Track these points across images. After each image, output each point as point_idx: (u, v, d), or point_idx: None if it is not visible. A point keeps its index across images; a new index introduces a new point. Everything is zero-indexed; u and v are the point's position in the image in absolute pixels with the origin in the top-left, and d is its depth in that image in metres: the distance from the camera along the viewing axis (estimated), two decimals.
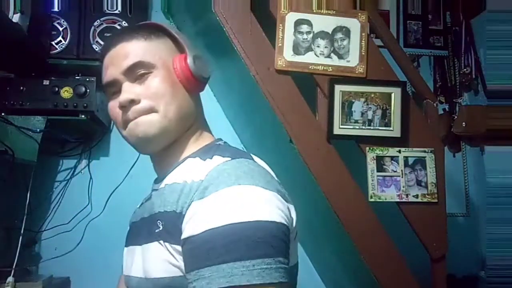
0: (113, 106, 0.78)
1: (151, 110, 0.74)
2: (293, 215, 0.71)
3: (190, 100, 0.79)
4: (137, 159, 1.90)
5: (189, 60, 0.77)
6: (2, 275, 1.48)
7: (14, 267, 1.50)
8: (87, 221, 1.91)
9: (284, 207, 0.67)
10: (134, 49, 0.76)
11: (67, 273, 1.85)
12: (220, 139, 0.84)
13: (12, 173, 1.62)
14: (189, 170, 0.73)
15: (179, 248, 0.66)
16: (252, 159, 0.75)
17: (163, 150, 0.79)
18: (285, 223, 0.65)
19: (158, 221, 0.72)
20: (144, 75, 0.75)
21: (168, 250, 0.68)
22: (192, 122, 0.81)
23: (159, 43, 0.79)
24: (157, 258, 0.70)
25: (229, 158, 0.71)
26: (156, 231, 0.71)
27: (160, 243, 0.70)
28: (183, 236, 0.65)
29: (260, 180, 0.67)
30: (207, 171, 0.69)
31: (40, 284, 1.52)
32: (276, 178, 0.74)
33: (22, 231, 1.59)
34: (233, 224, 0.61)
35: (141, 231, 0.79)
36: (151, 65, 0.76)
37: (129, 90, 0.75)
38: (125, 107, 0.75)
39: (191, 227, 0.64)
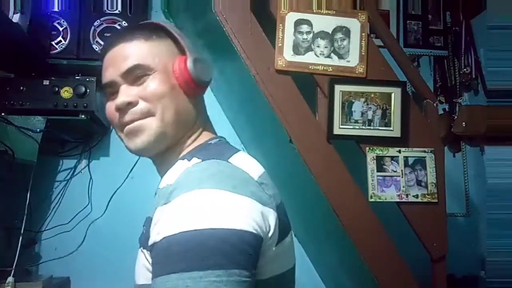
0: (111, 107, 0.77)
1: (148, 113, 0.73)
2: (271, 220, 0.65)
3: (189, 103, 0.77)
4: (138, 159, 1.90)
5: (189, 63, 0.75)
6: (2, 275, 1.48)
7: (14, 267, 1.50)
8: (87, 221, 1.91)
9: (256, 213, 0.62)
10: (133, 51, 0.75)
11: (67, 273, 1.85)
12: (217, 137, 0.81)
13: (12, 173, 1.62)
14: (174, 173, 0.71)
15: None
16: (228, 159, 0.69)
17: (161, 153, 0.78)
18: (252, 230, 0.59)
19: (144, 226, 0.72)
20: (142, 77, 0.74)
21: (146, 257, 0.67)
22: (192, 124, 0.79)
23: (159, 44, 0.77)
24: (140, 265, 0.69)
25: (200, 160, 0.68)
26: (140, 237, 0.72)
27: (141, 250, 0.70)
28: (149, 243, 0.63)
29: (227, 183, 0.62)
30: (178, 174, 0.66)
31: (40, 284, 1.52)
32: (259, 180, 0.68)
33: (22, 231, 1.59)
34: (187, 232, 0.57)
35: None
36: (150, 68, 0.74)
37: (126, 93, 0.73)
38: (121, 109, 0.74)
39: (154, 234, 0.62)
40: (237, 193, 0.61)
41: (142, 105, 0.73)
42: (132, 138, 0.75)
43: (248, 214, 0.61)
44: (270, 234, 0.64)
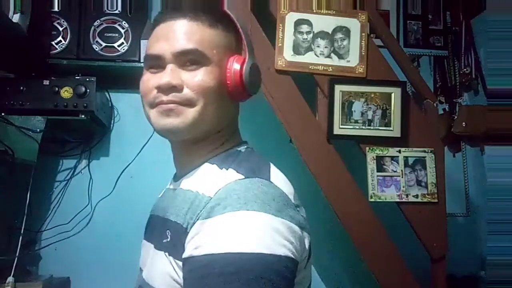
0: (148, 81, 0.71)
1: (189, 102, 0.68)
2: (307, 243, 0.66)
3: (229, 105, 0.74)
4: (134, 158, 1.91)
5: (246, 67, 0.71)
6: (2, 275, 1.48)
7: (14, 267, 1.50)
8: (87, 221, 1.91)
9: (295, 237, 0.62)
10: (195, 33, 0.69)
11: (67, 273, 1.85)
12: (245, 143, 0.79)
13: (12, 173, 1.61)
14: (204, 178, 0.69)
15: (180, 264, 0.63)
16: (269, 177, 0.68)
17: (185, 145, 0.74)
18: (292, 256, 0.60)
19: (168, 230, 0.69)
20: (194, 64, 0.69)
21: (172, 265, 0.65)
22: (224, 126, 0.75)
23: (222, 35, 0.72)
24: (161, 270, 0.67)
25: (242, 176, 0.65)
26: (164, 241, 0.69)
27: (165, 255, 0.67)
28: (184, 255, 0.62)
29: (271, 206, 0.61)
30: (217, 187, 0.64)
31: (40, 284, 1.52)
32: (293, 200, 0.67)
33: (22, 231, 1.59)
34: (233, 254, 0.56)
35: (155, 229, 0.77)
36: (206, 57, 0.69)
37: (173, 75, 0.68)
38: (163, 90, 0.69)
39: (192, 247, 0.60)
40: (280, 217, 0.61)
41: (186, 92, 0.68)
42: (163, 117, 0.69)
43: (290, 240, 0.60)
44: (304, 257, 0.65)
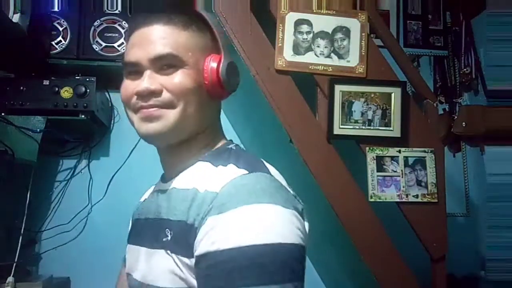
0: (129, 87, 0.72)
1: (169, 105, 0.70)
2: (307, 229, 0.69)
3: (210, 104, 0.75)
4: (130, 154, 1.90)
5: (222, 66, 0.72)
6: (2, 275, 1.48)
7: (14, 267, 1.50)
8: (87, 221, 1.91)
9: (302, 226, 0.65)
10: (169, 37, 0.70)
11: (67, 273, 1.85)
12: (231, 142, 0.81)
13: (12, 173, 1.62)
14: (200, 176, 0.70)
15: (187, 261, 0.64)
16: (268, 171, 0.70)
17: (171, 148, 0.75)
18: (303, 243, 0.63)
19: (167, 229, 0.69)
20: (171, 68, 0.70)
21: (175, 262, 0.65)
22: (207, 125, 0.77)
23: (196, 37, 0.73)
24: (163, 268, 0.67)
25: (246, 172, 0.67)
26: (164, 239, 0.69)
27: (167, 253, 0.67)
28: (199, 252, 0.61)
29: (279, 198, 0.64)
30: (222, 182, 0.65)
31: (40, 284, 1.52)
32: (290, 191, 0.70)
33: (22, 231, 1.59)
34: (256, 246, 0.58)
35: (146, 232, 0.77)
36: (182, 60, 0.70)
37: (151, 80, 0.70)
38: (142, 96, 0.70)
39: (207, 243, 0.60)
40: (288, 208, 0.63)
41: (165, 95, 0.70)
42: (146, 123, 0.71)
43: (299, 228, 0.63)
44: (307, 243, 0.67)
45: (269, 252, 0.58)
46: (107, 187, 1.90)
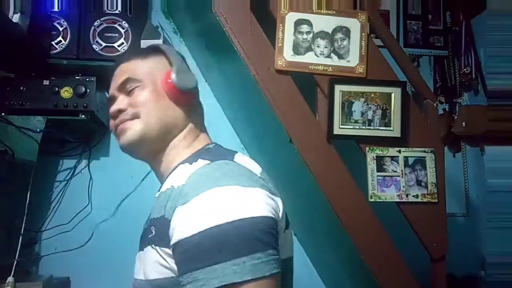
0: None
1: (134, 116, 0.82)
2: (281, 207, 0.73)
3: (177, 110, 0.85)
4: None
5: (172, 73, 0.83)
6: (2, 275, 1.48)
7: (14, 267, 1.50)
8: (87, 221, 1.91)
9: (270, 201, 0.70)
10: (128, 68, 0.86)
11: (67, 273, 1.85)
12: (214, 143, 0.88)
13: (12, 173, 1.62)
14: (178, 176, 0.77)
15: (168, 251, 0.70)
16: (233, 159, 0.77)
17: (153, 157, 0.86)
18: (272, 215, 0.68)
19: (152, 227, 0.76)
20: (133, 89, 0.84)
21: (159, 253, 0.72)
22: (180, 129, 0.85)
23: (153, 61, 0.87)
24: (151, 261, 0.74)
25: (208, 161, 0.75)
26: (150, 236, 0.76)
27: (152, 246, 0.74)
28: (173, 241, 0.68)
29: (240, 179, 0.70)
30: (188, 175, 0.72)
31: (40, 284, 1.52)
32: (261, 176, 0.76)
33: (22, 231, 1.59)
34: (219, 225, 0.63)
35: (143, 237, 0.84)
36: (138, 80, 0.84)
37: (119, 102, 0.85)
38: (113, 115, 0.85)
39: (179, 232, 0.67)
40: (251, 187, 0.69)
41: (130, 110, 0.83)
42: (119, 136, 0.84)
43: (266, 202, 0.68)
44: (280, 219, 0.72)
45: (233, 229, 0.63)
46: (115, 183, 1.90)
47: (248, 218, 0.65)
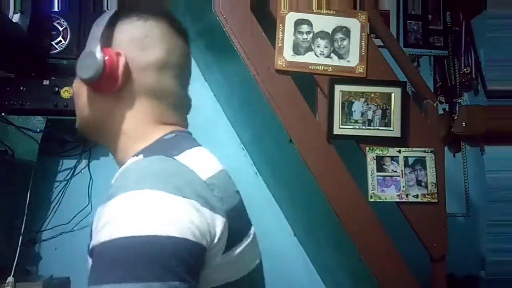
0: None
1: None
2: (218, 226, 0.59)
3: (105, 101, 0.72)
4: None
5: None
6: (2, 275, 1.48)
7: (14, 267, 1.50)
8: (87, 221, 1.91)
9: (199, 218, 0.56)
10: None
11: (67, 273, 1.85)
12: (177, 131, 0.73)
13: (12, 173, 1.62)
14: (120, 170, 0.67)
15: None
16: (177, 155, 0.63)
17: (109, 148, 0.76)
18: (192, 238, 0.54)
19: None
20: None
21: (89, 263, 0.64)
22: (119, 121, 0.72)
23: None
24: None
25: (142, 156, 0.63)
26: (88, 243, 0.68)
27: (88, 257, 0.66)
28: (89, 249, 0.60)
29: (169, 183, 0.57)
30: (119, 172, 0.63)
31: (40, 284, 1.52)
32: (207, 180, 0.61)
33: (22, 231, 1.59)
34: (122, 238, 0.52)
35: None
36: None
37: None
38: None
39: (93, 239, 0.57)
40: (179, 195, 0.56)
41: None
42: None
43: (190, 220, 0.55)
44: (215, 241, 0.58)
45: (137, 245, 0.51)
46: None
47: (158, 237, 0.52)
